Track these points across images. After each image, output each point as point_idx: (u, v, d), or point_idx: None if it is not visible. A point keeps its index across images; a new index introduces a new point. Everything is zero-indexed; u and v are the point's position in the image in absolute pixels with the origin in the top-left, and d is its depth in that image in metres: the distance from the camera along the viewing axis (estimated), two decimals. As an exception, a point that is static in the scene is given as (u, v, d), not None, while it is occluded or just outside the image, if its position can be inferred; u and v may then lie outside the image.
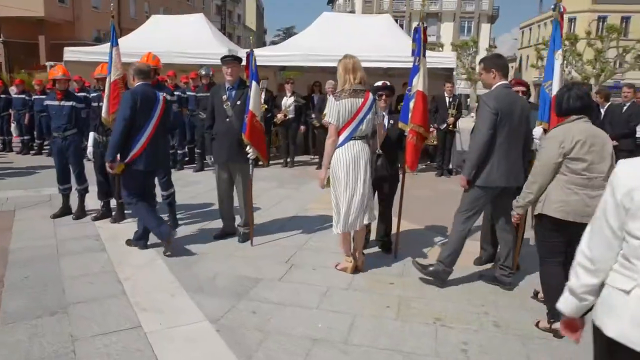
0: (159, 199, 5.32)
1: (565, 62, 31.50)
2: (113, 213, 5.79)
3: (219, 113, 4.98)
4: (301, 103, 9.64)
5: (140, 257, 4.64)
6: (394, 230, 4.89)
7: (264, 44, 47.70)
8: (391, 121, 4.81)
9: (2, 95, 10.95)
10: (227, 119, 4.92)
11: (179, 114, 8.88)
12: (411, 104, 4.55)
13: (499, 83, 3.82)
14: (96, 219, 5.79)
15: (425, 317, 3.62)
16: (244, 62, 5.07)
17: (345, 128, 4.00)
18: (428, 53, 11.83)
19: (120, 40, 12.07)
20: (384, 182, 4.76)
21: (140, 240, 4.81)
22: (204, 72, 9.03)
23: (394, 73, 11.76)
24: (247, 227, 5.20)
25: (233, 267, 4.49)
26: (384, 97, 4.73)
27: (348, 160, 3.99)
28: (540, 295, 3.73)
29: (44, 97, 10.02)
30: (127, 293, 3.86)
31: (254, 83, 4.81)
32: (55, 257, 4.59)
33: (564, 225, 3.22)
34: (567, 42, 30.39)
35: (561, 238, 3.30)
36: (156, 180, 5.22)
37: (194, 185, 7.95)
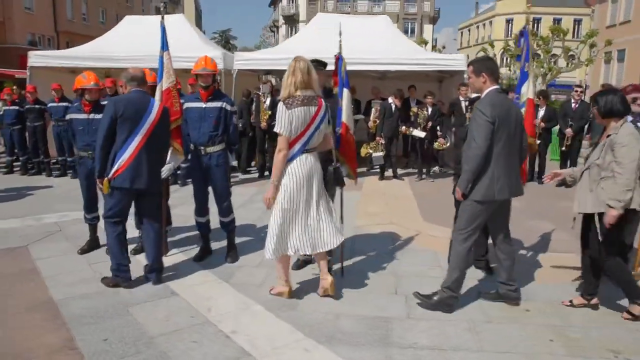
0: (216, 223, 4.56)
1: (510, 61, 32.97)
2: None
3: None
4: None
5: (229, 302, 3.86)
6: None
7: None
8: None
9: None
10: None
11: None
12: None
13: (491, 88, 3.58)
14: (137, 252, 4.90)
15: (599, 351, 3.22)
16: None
17: (297, 140, 3.56)
18: (434, 55, 11.63)
19: (94, 44, 11.06)
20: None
21: (152, 274, 4.17)
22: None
23: (392, 76, 11.44)
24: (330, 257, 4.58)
25: (344, 305, 3.86)
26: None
27: (301, 177, 3.57)
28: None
29: (15, 108, 8.77)
30: (252, 353, 3.12)
31: (345, 91, 4.21)
32: (121, 308, 3.73)
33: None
34: (511, 43, 31.82)
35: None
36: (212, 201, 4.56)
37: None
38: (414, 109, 9.19)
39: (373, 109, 9.74)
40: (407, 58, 9.35)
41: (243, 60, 9.69)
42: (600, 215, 3.57)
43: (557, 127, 9.13)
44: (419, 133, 8.78)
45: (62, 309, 3.70)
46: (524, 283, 4.23)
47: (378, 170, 9.35)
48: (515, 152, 3.66)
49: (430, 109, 8.95)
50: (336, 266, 4.46)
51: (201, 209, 4.71)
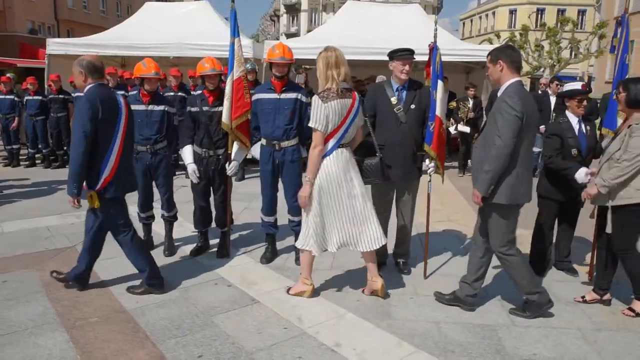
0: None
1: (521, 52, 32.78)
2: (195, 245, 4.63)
3: (385, 119, 3.98)
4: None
5: (318, 311, 3.56)
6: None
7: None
8: (587, 127, 4.07)
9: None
10: (400, 126, 3.94)
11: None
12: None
13: (514, 79, 3.23)
14: (196, 253, 4.57)
15: None
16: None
17: (333, 134, 3.38)
18: (470, 46, 11.23)
19: (114, 32, 10.62)
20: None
21: (78, 280, 3.77)
22: (249, 67, 7.76)
23: (422, 67, 11.05)
24: (407, 256, 4.31)
25: (437, 311, 3.59)
26: (584, 102, 4.01)
27: (339, 173, 3.41)
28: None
29: (38, 98, 8.36)
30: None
31: (439, 83, 3.89)
32: (204, 317, 3.41)
33: None
34: (517, 34, 31.51)
35: None
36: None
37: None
38: (453, 102, 8.85)
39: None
40: (444, 49, 8.98)
41: (274, 49, 9.30)
42: (615, 208, 3.40)
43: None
44: (463, 128, 8.44)
45: (139, 319, 3.38)
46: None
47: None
48: (532, 150, 3.40)
49: (472, 102, 8.62)
50: (416, 267, 4.18)
51: (271, 208, 4.38)
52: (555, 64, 27.83)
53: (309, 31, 41.12)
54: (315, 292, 3.75)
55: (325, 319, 3.43)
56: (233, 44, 4.29)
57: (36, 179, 7.83)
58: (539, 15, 41.47)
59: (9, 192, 6.99)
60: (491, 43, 32.31)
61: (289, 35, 43.05)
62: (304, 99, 4.20)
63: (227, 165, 4.31)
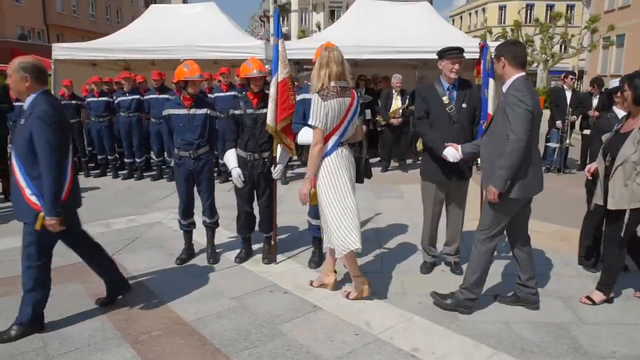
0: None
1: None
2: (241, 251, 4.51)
3: (438, 119, 3.91)
4: (368, 100, 8.55)
5: (385, 315, 3.47)
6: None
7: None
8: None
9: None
10: (453, 125, 3.88)
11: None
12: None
13: (518, 75, 3.20)
14: (242, 259, 4.46)
15: None
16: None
17: (333, 133, 3.41)
18: (473, 42, 11.17)
19: (121, 35, 10.43)
20: None
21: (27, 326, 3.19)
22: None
23: (431, 65, 11.02)
24: (458, 255, 4.25)
25: (502, 310, 3.53)
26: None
27: (342, 170, 3.44)
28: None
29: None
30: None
31: (490, 81, 3.84)
32: (270, 326, 3.30)
33: None
34: (508, 30, 31.71)
35: None
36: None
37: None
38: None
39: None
40: (438, 47, 8.93)
41: (288, 50, 9.17)
42: (633, 210, 3.33)
43: None
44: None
45: (203, 331, 3.26)
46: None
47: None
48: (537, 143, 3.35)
49: None
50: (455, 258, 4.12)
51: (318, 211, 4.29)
52: (548, 58, 28.05)
53: (302, 31, 41.07)
54: (374, 295, 3.67)
55: (394, 323, 3.35)
56: (277, 45, 4.18)
57: (53, 187, 7.63)
58: (529, 11, 41.84)
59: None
60: (485, 39, 32.51)
61: (280, 36, 42.80)
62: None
63: (272, 168, 4.21)
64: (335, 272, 3.86)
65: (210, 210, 4.47)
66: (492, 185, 3.19)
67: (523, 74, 3.23)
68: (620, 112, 4.02)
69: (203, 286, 3.97)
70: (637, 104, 3.35)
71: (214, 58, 9.42)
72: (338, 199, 3.43)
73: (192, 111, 4.21)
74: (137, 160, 8.06)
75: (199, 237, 4.72)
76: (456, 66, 3.83)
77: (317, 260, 4.34)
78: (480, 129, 3.86)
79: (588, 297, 3.62)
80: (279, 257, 4.52)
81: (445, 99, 3.89)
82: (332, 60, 3.37)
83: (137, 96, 7.81)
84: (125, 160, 8.22)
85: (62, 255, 4.55)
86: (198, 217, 4.61)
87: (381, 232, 5.27)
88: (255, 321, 3.38)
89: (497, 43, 4.23)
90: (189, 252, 4.56)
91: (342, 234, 3.40)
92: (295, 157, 7.59)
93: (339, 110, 3.37)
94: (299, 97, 4.15)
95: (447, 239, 4.27)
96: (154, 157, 8.18)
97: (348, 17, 10.50)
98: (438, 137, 3.82)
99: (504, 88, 3.25)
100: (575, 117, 8.53)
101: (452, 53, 3.85)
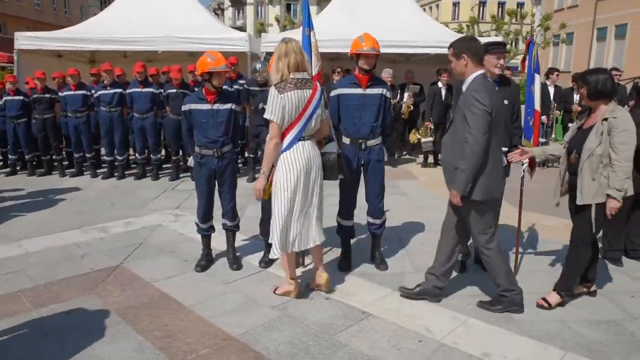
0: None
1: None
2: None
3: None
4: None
5: (439, 319, 3.34)
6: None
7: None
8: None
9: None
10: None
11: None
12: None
13: (478, 72, 3.18)
14: (267, 264, 4.20)
15: None
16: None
17: (292, 127, 3.31)
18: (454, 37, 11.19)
19: (89, 25, 9.73)
20: None
21: None
22: (259, 67, 7.29)
23: (416, 59, 11.01)
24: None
25: (551, 309, 3.49)
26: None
27: (299, 166, 3.31)
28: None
29: (19, 98, 7.49)
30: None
31: (536, 77, 3.78)
32: (326, 337, 3.09)
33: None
34: (464, 25, 32.51)
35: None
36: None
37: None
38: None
39: (407, 94, 9.29)
40: (440, 41, 8.94)
41: (271, 43, 8.86)
42: (598, 204, 3.30)
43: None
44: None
45: (256, 346, 3.00)
46: None
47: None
48: (502, 144, 3.37)
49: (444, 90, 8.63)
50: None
51: (350, 211, 4.10)
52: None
53: (261, 24, 40.25)
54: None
55: (452, 327, 3.22)
56: (308, 36, 3.93)
57: (29, 188, 6.99)
58: (482, 8, 43.08)
59: (3, 205, 6.18)
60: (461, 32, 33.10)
61: (236, 29, 41.95)
62: (388, 94, 3.94)
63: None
64: (326, 270, 3.69)
65: (233, 213, 4.18)
66: (453, 188, 3.15)
67: (482, 71, 3.19)
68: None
69: (235, 295, 3.69)
70: (592, 99, 3.34)
71: (195, 50, 8.95)
72: (287, 196, 3.32)
73: (216, 106, 3.89)
74: (119, 158, 7.51)
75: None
76: (501, 61, 3.73)
77: (347, 263, 4.15)
78: (527, 125, 3.77)
79: (544, 300, 3.50)
80: (306, 260, 4.30)
81: (486, 95, 3.78)
82: (290, 51, 3.27)
83: (119, 90, 7.27)
84: (105, 158, 7.65)
85: (60, 266, 4.18)
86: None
87: (400, 231, 5.14)
88: (308, 332, 3.16)
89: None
90: (209, 257, 4.25)
91: (282, 233, 3.36)
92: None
93: (297, 103, 3.25)
94: (333, 93, 3.93)
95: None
96: (137, 155, 7.66)
97: (331, 11, 10.28)
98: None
99: (464, 87, 3.19)
100: (558, 112, 8.76)
101: (496, 48, 3.73)
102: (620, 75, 8.86)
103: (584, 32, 27.04)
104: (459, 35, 11.12)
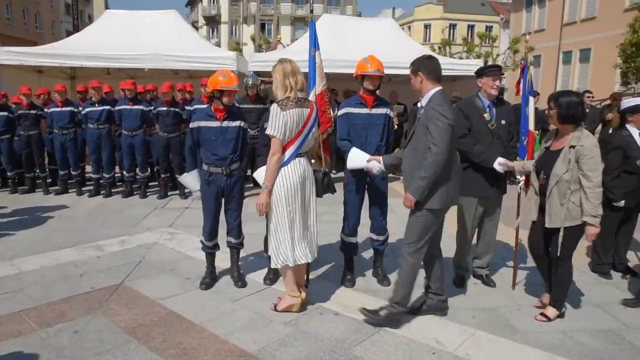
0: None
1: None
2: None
3: (480, 135, 3.97)
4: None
5: (449, 332, 3.44)
6: None
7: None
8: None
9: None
10: (494, 141, 3.96)
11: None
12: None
13: (436, 89, 3.30)
14: (272, 281, 4.22)
15: None
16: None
17: (291, 143, 3.44)
18: (449, 60, 11.53)
19: (76, 40, 9.64)
20: None
21: None
22: (250, 82, 7.39)
23: (397, 80, 11.25)
24: (489, 268, 4.33)
25: (551, 320, 3.63)
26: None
27: (296, 181, 3.44)
28: None
29: (3, 114, 7.33)
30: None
31: (530, 99, 3.99)
32: (340, 351, 3.13)
33: None
34: (436, 47, 33.48)
35: None
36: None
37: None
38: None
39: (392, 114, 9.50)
40: (402, 62, 9.20)
41: (259, 62, 8.99)
42: (567, 227, 3.44)
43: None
44: None
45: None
46: None
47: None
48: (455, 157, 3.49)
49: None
50: (498, 277, 4.21)
51: (355, 228, 4.18)
52: (475, 75, 29.92)
53: (237, 43, 40.47)
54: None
55: (461, 339, 3.32)
56: (314, 57, 4.04)
57: (13, 206, 6.81)
58: (452, 30, 44.48)
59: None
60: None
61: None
62: (391, 114, 4.08)
63: None
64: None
65: (238, 230, 4.19)
66: (410, 193, 3.25)
67: (440, 87, 3.32)
68: (634, 131, 4.33)
69: (244, 312, 3.69)
70: (562, 122, 3.44)
71: (182, 68, 9.00)
72: (286, 210, 3.42)
73: (225, 123, 3.94)
74: (106, 175, 7.41)
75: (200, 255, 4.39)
76: (497, 82, 3.93)
77: (352, 279, 4.22)
78: (521, 145, 3.98)
79: (543, 315, 3.61)
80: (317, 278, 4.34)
81: (486, 116, 3.97)
82: (297, 70, 3.41)
83: (107, 107, 7.21)
84: (92, 175, 7.53)
85: (59, 285, 4.09)
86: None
87: (395, 248, 5.22)
88: (323, 347, 3.20)
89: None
90: (213, 275, 4.24)
91: (282, 247, 3.45)
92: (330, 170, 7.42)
93: (297, 120, 3.38)
94: (341, 112, 4.04)
95: (478, 251, 4.33)
96: (125, 173, 7.57)
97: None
98: (483, 150, 3.89)
99: (423, 102, 3.34)
100: (537, 132, 9.13)
101: (492, 70, 3.95)
102: (592, 97, 9.33)
103: (550, 55, 28.28)
104: (446, 58, 11.55)
